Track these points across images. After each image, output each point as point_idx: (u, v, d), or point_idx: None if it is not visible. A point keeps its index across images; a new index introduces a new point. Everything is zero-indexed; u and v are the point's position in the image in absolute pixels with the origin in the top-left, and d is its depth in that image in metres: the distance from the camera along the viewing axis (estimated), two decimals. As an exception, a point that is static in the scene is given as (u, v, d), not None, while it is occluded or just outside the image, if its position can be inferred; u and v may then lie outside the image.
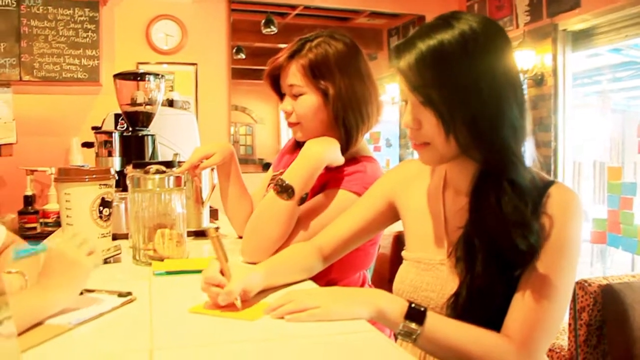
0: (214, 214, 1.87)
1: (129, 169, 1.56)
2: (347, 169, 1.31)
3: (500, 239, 0.87)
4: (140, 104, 2.01)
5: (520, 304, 0.87)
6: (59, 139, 3.34)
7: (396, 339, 0.91)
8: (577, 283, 1.60)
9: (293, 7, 4.01)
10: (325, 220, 1.24)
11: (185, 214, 1.32)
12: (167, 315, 0.91)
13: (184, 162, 1.45)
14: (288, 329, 0.84)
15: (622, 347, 1.54)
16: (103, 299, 0.95)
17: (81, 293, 0.93)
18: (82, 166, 2.40)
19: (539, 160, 0.95)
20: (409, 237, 1.09)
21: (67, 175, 1.25)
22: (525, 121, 0.90)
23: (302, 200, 1.26)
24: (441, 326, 0.88)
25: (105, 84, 3.33)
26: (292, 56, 1.31)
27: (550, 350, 1.98)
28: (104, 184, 1.26)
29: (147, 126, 2.01)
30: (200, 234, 1.59)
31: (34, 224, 2.81)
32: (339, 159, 1.29)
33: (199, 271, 0.99)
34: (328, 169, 1.30)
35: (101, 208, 1.25)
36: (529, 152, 0.92)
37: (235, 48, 3.89)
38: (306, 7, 4.00)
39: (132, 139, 1.95)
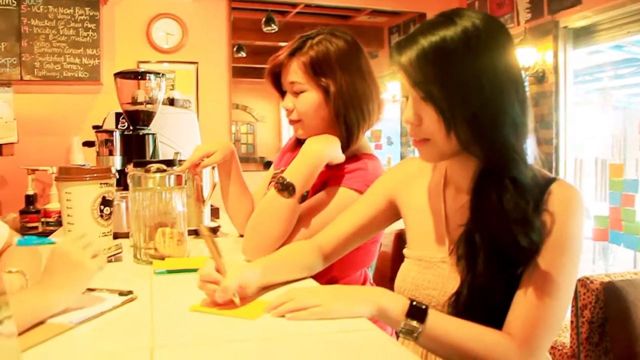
0: (214, 212, 1.87)
1: (129, 168, 1.56)
2: (348, 167, 1.31)
3: (502, 236, 0.87)
4: (141, 103, 2.01)
5: (522, 302, 0.87)
6: (59, 138, 3.34)
7: (397, 337, 0.91)
8: (579, 280, 1.60)
9: (294, 5, 4.01)
10: (327, 218, 1.23)
11: (186, 212, 1.32)
12: (168, 313, 0.91)
13: (184, 160, 1.45)
14: (289, 328, 0.84)
15: (624, 345, 1.53)
16: (104, 298, 0.95)
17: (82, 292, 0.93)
18: (83, 165, 2.39)
19: (540, 157, 0.95)
20: (410, 235, 1.08)
21: (68, 174, 1.25)
22: (526, 118, 0.90)
23: (303, 198, 1.25)
24: (443, 324, 0.87)
25: (106, 83, 3.33)
26: (293, 54, 1.31)
27: (552, 347, 1.98)
28: (105, 183, 1.26)
29: (147, 125, 2.00)
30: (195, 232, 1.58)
31: (36, 223, 2.81)
32: (340, 157, 1.29)
33: (200, 270, 0.99)
34: (329, 166, 1.30)
35: (102, 207, 1.25)
36: (530, 150, 0.91)
37: (236, 46, 3.89)
38: (307, 5, 3.99)
39: (133, 137, 1.95)
